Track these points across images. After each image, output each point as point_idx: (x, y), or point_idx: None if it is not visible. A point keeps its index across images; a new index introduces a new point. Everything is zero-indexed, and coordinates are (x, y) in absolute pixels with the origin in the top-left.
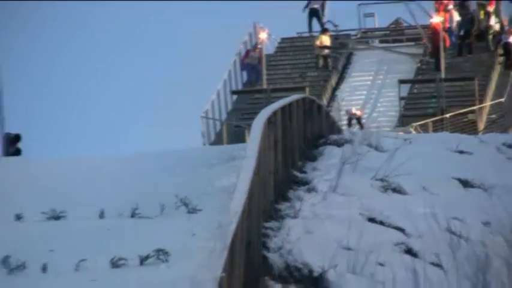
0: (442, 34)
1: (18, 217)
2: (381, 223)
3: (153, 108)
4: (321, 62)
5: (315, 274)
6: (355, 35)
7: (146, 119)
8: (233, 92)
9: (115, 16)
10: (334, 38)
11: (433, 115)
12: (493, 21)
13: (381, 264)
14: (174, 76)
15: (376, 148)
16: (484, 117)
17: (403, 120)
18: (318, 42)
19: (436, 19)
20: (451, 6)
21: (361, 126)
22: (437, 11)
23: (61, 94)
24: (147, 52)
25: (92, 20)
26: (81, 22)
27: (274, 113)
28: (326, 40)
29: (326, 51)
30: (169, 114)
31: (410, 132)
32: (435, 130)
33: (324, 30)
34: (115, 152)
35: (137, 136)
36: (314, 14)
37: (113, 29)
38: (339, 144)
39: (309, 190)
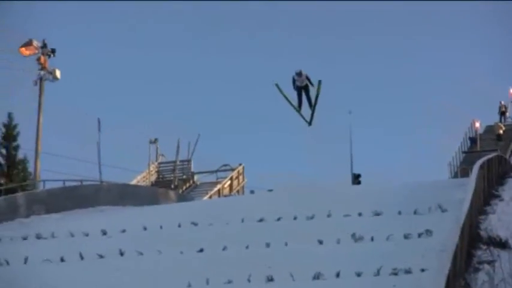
0: None
1: None
2: None
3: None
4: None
5: (503, 241)
6: None
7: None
8: (463, 152)
9: None
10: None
11: None
12: None
13: None
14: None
15: None
16: None
17: None
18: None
19: None
20: None
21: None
22: None
23: None
24: None
25: None
26: None
27: (483, 162)
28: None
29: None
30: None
31: None
32: None
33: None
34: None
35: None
36: (503, 113)
37: None
38: None
39: (500, 200)
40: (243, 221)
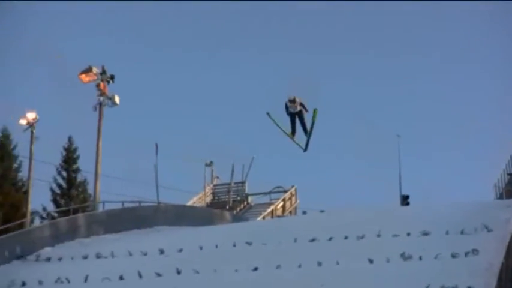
0: None
1: None
2: None
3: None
4: None
5: None
6: None
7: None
8: (508, 174)
9: None
10: None
11: None
12: None
13: None
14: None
15: None
16: None
17: None
18: None
19: None
20: None
21: None
22: None
23: None
24: None
25: None
26: None
27: None
28: None
29: None
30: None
31: None
32: None
33: None
34: None
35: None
36: None
37: None
38: None
39: None
40: (295, 240)
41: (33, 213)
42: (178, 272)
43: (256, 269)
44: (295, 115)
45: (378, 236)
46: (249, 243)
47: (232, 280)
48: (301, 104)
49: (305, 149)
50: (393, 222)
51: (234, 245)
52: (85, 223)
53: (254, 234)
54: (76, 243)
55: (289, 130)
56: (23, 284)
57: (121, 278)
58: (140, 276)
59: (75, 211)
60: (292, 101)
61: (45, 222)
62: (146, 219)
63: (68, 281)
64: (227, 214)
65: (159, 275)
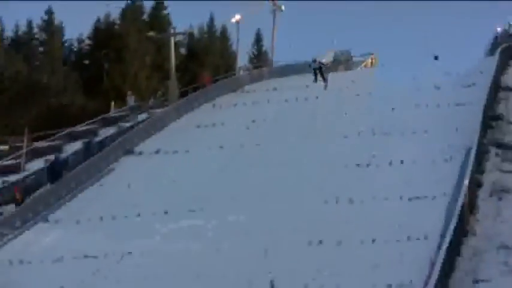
0: None
1: None
2: None
3: None
4: None
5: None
6: None
7: None
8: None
9: None
10: None
11: None
12: None
13: None
14: None
15: None
16: None
17: None
18: None
19: None
20: None
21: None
22: None
23: None
24: None
25: None
26: None
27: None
28: None
29: None
30: None
31: None
32: None
33: None
34: None
35: None
36: None
37: None
38: None
39: None
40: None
41: (239, 67)
42: (316, 98)
43: (358, 95)
44: (316, 70)
45: (414, 79)
46: (354, 81)
47: (350, 96)
48: (320, 63)
49: (325, 88)
50: (428, 69)
51: (347, 84)
52: (268, 72)
53: (357, 75)
54: (263, 82)
55: (313, 80)
56: (219, 106)
57: (286, 100)
58: (296, 100)
59: (262, 67)
60: (314, 61)
61: (246, 72)
62: (302, 70)
63: (258, 104)
64: (342, 66)
65: (306, 99)
